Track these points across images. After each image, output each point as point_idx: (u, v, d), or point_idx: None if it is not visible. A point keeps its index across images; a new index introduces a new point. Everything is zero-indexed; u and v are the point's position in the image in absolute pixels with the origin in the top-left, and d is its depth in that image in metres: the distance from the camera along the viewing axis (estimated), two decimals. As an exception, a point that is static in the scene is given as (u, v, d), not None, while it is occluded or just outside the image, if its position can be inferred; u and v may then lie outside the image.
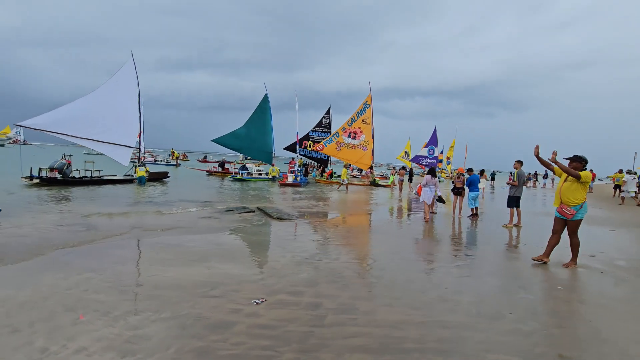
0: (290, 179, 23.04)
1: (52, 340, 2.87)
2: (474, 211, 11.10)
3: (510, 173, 10.32)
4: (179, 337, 3.00)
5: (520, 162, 9.54)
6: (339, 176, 29.69)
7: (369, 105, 29.44)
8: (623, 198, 17.84)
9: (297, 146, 28.79)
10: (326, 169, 31.72)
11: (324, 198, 16.42)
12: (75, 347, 2.79)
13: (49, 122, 15.89)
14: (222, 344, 2.93)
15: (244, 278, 4.60)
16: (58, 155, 17.46)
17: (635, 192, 17.96)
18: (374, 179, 28.42)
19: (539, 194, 24.08)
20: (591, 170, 30.28)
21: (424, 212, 10.30)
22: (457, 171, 15.22)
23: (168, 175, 21.68)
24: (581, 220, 5.43)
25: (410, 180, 28.67)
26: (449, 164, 50.90)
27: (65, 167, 16.08)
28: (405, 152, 46.80)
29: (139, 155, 20.68)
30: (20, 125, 15.75)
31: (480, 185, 21.38)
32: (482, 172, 22.04)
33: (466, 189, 11.52)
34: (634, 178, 18.65)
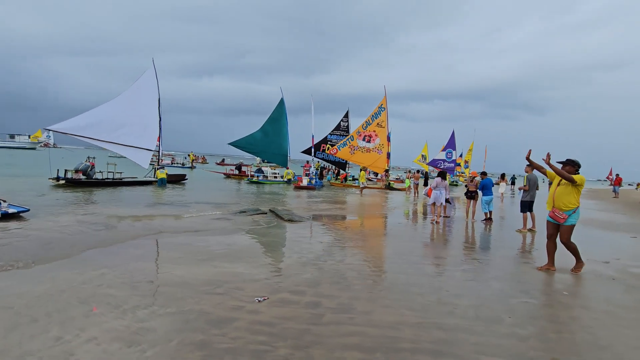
0: (305, 181, 23.24)
1: (65, 330, 3.09)
2: (488, 215, 10.93)
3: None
4: (182, 331, 3.17)
5: (531, 166, 9.37)
6: (354, 179, 29.72)
7: (384, 109, 29.36)
8: None
9: (313, 149, 28.94)
10: (342, 172, 31.78)
11: (337, 201, 16.50)
12: (87, 336, 3.00)
13: (76, 127, 16.71)
14: (222, 338, 3.07)
15: (249, 277, 4.76)
16: (85, 157, 18.29)
17: None
18: (389, 183, 28.27)
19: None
20: (617, 175, 29.01)
21: (433, 214, 10.24)
22: (470, 175, 14.99)
23: (186, 177, 22.30)
24: (573, 225, 5.31)
25: (425, 184, 28.35)
26: (467, 167, 49.99)
27: (89, 169, 16.84)
28: (423, 156, 46.33)
29: (159, 158, 21.37)
30: (50, 130, 16.64)
31: (499, 190, 20.96)
32: (502, 176, 21.54)
33: (480, 192, 11.35)
34: None
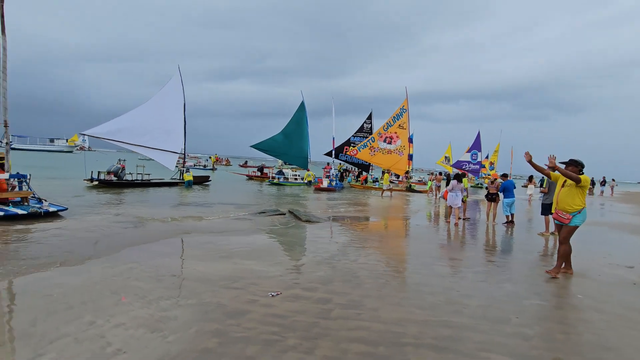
0: (325, 183, 23.43)
1: (97, 316, 3.43)
2: (510, 218, 10.73)
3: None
4: (200, 320, 3.44)
5: (552, 168, 9.13)
6: (374, 181, 29.62)
7: (406, 110, 29.14)
8: None
9: (334, 151, 29.05)
10: (362, 174, 31.73)
11: (356, 203, 16.58)
12: (116, 322, 3.32)
13: (108, 131, 17.72)
14: (236, 327, 3.31)
15: (265, 274, 5.00)
16: (116, 160, 19.33)
17: None
18: (410, 185, 27.99)
19: (596, 202, 22.29)
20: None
21: (450, 216, 10.18)
22: (490, 177, 14.69)
23: (209, 179, 23.05)
24: (577, 227, 5.21)
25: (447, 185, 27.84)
26: (492, 169, 48.63)
27: (120, 171, 17.81)
28: (446, 157, 45.52)
29: (184, 160, 22.22)
30: (85, 134, 17.73)
31: (527, 192, 20.31)
32: (530, 178, 20.86)
33: (501, 195, 11.16)
34: None
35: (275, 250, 6.92)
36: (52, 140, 74.46)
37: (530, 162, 5.55)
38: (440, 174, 29.67)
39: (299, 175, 27.09)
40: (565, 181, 5.21)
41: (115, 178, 17.46)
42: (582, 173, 5.16)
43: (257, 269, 5.21)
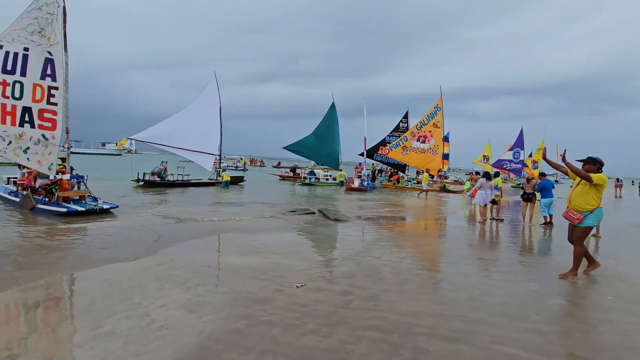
0: (356, 183, 23.53)
1: (144, 298, 3.91)
2: (548, 219, 10.32)
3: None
4: (231, 305, 3.81)
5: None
6: (407, 180, 29.22)
7: (440, 108, 28.50)
8: None
9: (365, 152, 29.00)
10: (394, 174, 31.40)
11: (387, 202, 16.58)
12: (159, 304, 3.78)
13: (152, 135, 19.10)
14: (262, 312, 3.65)
15: (291, 267, 5.32)
16: (159, 162, 20.72)
17: None
18: (444, 185, 27.34)
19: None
20: None
21: (480, 215, 9.99)
22: (527, 176, 14.09)
23: (244, 179, 23.98)
24: (590, 228, 5.01)
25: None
26: (535, 168, 46.05)
27: (162, 172, 19.11)
28: (485, 156, 43.79)
29: (220, 162, 23.30)
30: (132, 139, 19.22)
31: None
32: None
33: (538, 195, 10.75)
34: None
35: (303, 246, 7.24)
36: (103, 144, 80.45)
37: (544, 158, 5.43)
38: (478, 173, 28.65)
39: (330, 176, 27.39)
40: (581, 180, 5.07)
41: (159, 179, 18.75)
42: (601, 171, 5.00)
43: (285, 263, 5.55)
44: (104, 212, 9.51)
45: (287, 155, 31.72)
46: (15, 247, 6.13)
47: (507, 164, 37.79)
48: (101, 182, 17.63)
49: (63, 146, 9.83)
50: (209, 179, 21.51)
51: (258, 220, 9.79)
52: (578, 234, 5.05)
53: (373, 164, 34.99)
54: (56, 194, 9.36)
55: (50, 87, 9.35)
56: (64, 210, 8.83)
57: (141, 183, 18.10)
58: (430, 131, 28.07)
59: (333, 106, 27.21)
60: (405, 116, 32.80)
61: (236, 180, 22.88)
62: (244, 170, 41.14)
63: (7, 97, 9.12)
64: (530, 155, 43.92)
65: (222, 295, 4.13)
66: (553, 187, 10.78)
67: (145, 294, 4.06)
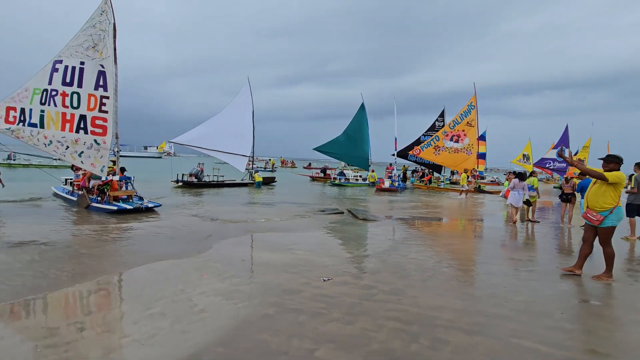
0: (386, 184, 23.43)
1: (186, 285, 4.36)
2: None
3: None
4: (263, 294, 4.16)
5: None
6: (439, 181, 28.61)
7: (474, 107, 27.69)
8: None
9: (396, 152, 28.72)
10: (426, 174, 30.84)
11: (416, 203, 16.45)
12: (200, 291, 4.21)
13: (190, 139, 20.23)
14: (291, 301, 3.95)
15: (319, 263, 5.60)
16: (196, 163, 21.86)
17: None
18: (479, 185, 26.50)
19: None
20: None
21: (513, 215, 9.74)
22: (565, 175, 13.42)
23: (275, 180, 24.66)
24: (613, 227, 4.80)
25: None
26: (578, 167, 43.10)
27: (199, 173, 20.16)
28: (524, 155, 41.78)
29: (252, 163, 24.13)
30: (172, 142, 20.46)
31: (623, 191, 17.87)
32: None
33: (577, 195, 10.28)
34: None
35: (331, 244, 7.50)
36: (145, 148, 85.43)
37: (560, 155, 5.35)
38: (514, 173, 27.46)
39: (360, 176, 27.45)
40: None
41: (196, 179, 19.80)
42: (619, 169, 4.85)
43: (313, 259, 5.84)
44: (149, 211, 10.31)
45: (318, 156, 32.11)
46: (80, 243, 6.90)
47: (550, 163, 35.84)
48: (144, 183, 18.92)
49: (113, 150, 10.76)
50: (242, 180, 22.36)
51: (288, 220, 10.18)
52: (602, 237, 4.91)
53: (404, 165, 34.49)
54: (107, 194, 10.29)
55: (102, 97, 10.29)
56: (115, 208, 9.71)
57: (180, 184, 19.21)
58: (463, 130, 27.33)
59: (363, 107, 27.28)
60: (442, 115, 32.02)
61: (268, 181, 23.60)
62: (272, 171, 42.08)
63: (67, 107, 10.17)
64: (576, 154, 41.36)
65: (255, 285, 4.50)
66: None
67: (187, 282, 4.51)
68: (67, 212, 9.91)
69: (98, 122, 10.35)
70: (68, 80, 10.13)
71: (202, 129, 20.73)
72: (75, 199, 10.91)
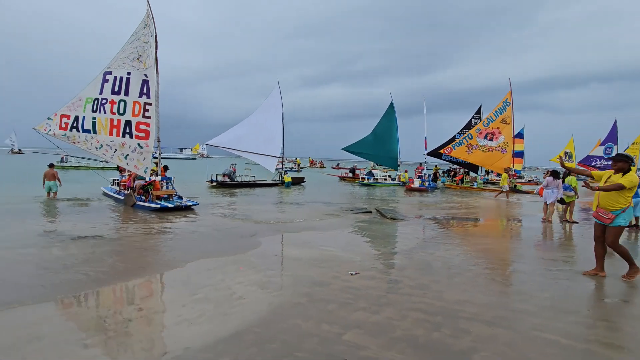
0: (416, 183, 23.20)
1: (225, 276, 4.79)
2: (634, 222, 9.40)
3: None
4: (295, 285, 4.49)
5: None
6: (472, 180, 27.83)
7: (509, 103, 26.75)
8: None
9: (427, 151, 28.27)
10: (457, 174, 30.10)
11: (447, 202, 16.25)
12: (237, 281, 4.61)
13: (223, 141, 21.17)
14: (320, 292, 4.25)
15: (348, 259, 5.87)
16: (229, 164, 22.79)
17: None
18: (514, 185, 25.54)
19: None
20: None
21: (545, 214, 9.48)
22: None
23: (304, 180, 25.14)
24: (622, 227, 4.69)
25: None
26: (632, 165, 40.20)
27: (232, 174, 21.03)
28: (566, 153, 39.65)
29: (283, 164, 24.75)
30: (207, 144, 21.49)
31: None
32: None
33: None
34: None
35: (359, 242, 7.73)
36: (181, 150, 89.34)
37: (563, 165, 5.37)
38: (550, 172, 26.15)
39: (389, 176, 27.33)
40: (608, 178, 4.85)
41: (229, 180, 20.66)
42: (631, 170, 4.74)
43: (342, 256, 6.11)
44: (187, 209, 11.02)
45: (347, 156, 32.25)
46: (132, 238, 7.61)
47: (596, 161, 33.79)
48: (182, 183, 20.01)
49: (155, 152, 11.58)
50: (273, 180, 23.02)
51: (318, 219, 10.50)
52: (611, 236, 4.82)
53: (436, 165, 33.77)
54: (151, 193, 11.12)
55: (145, 104, 11.14)
56: (157, 206, 10.48)
57: (214, 184, 20.15)
58: (498, 128, 26.47)
59: (392, 106, 27.15)
60: (478, 112, 31.07)
61: (297, 181, 24.12)
62: (298, 171, 42.63)
63: (114, 113, 11.11)
64: (626, 149, 38.64)
65: (287, 277, 4.84)
66: None
67: (227, 273, 4.94)
68: (116, 210, 10.81)
69: (142, 127, 11.21)
70: (116, 89, 11.06)
71: (234, 131, 21.60)
72: (122, 198, 11.86)
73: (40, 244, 6.49)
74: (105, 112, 11.20)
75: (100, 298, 4.10)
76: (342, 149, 27.11)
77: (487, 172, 31.80)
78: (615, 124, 33.32)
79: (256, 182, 21.94)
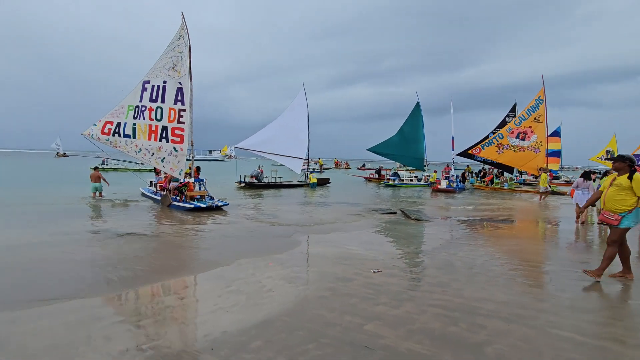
0: (443, 184, 22.88)
1: (256, 271, 5.18)
2: None
3: None
4: (319, 281, 4.80)
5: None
6: (503, 181, 27.02)
7: (542, 101, 25.80)
8: None
9: (454, 151, 27.73)
10: (487, 175, 29.30)
11: (474, 203, 16.00)
12: (267, 275, 4.99)
13: (251, 144, 21.93)
14: (343, 287, 4.53)
15: (371, 257, 6.10)
16: (256, 166, 23.52)
17: None
18: (548, 186, 24.56)
19: None
20: None
21: (578, 214, 9.22)
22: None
23: (330, 181, 25.45)
24: (628, 228, 4.60)
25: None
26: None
27: (259, 175, 21.72)
28: (608, 152, 37.49)
29: (308, 165, 25.19)
30: (236, 147, 22.33)
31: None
32: None
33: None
34: None
35: (382, 241, 7.92)
36: (210, 152, 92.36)
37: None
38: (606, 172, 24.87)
39: (415, 177, 27.08)
40: (613, 181, 4.76)
41: (256, 181, 21.36)
42: (635, 171, 4.63)
43: (365, 254, 6.35)
44: (218, 209, 11.63)
45: (373, 157, 32.20)
46: (172, 235, 8.23)
47: (641, 160, 31.79)
48: (212, 184, 20.90)
49: (189, 155, 12.30)
50: (298, 181, 23.51)
51: (342, 219, 10.77)
52: (615, 236, 4.77)
53: (468, 165, 32.92)
54: (185, 194, 11.83)
55: (180, 110, 11.87)
56: (191, 206, 11.15)
57: (242, 184, 20.90)
58: (530, 126, 25.61)
59: (418, 105, 26.90)
60: (513, 109, 30.07)
61: (323, 182, 24.47)
62: (321, 172, 42.94)
63: (152, 120, 11.92)
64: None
65: (312, 273, 5.16)
66: None
67: (257, 269, 5.33)
68: (154, 209, 11.59)
69: (177, 131, 11.95)
70: (154, 97, 11.87)
71: (261, 134, 22.30)
72: (159, 198, 12.67)
73: (95, 240, 7.20)
74: (144, 119, 12.03)
75: (146, 290, 4.59)
76: (367, 149, 27.16)
77: (521, 173, 30.69)
78: (665, 120, 31.21)
79: (282, 183, 22.51)
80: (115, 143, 12.52)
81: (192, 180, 12.14)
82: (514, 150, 25.60)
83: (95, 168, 14.12)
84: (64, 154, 68.37)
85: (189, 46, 11.86)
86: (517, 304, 4.05)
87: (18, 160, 54.09)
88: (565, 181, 33.46)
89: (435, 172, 26.25)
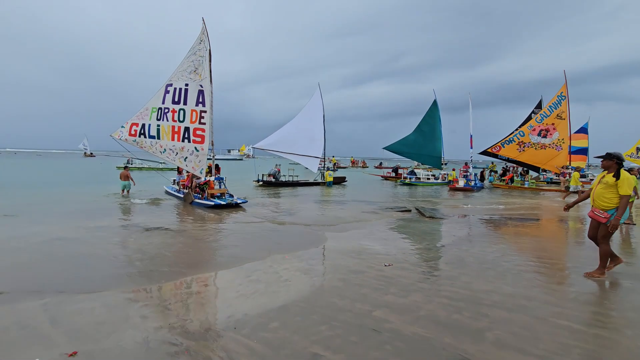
0: (461, 183, 22.69)
1: (273, 263, 5.53)
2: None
3: None
4: (332, 272, 5.10)
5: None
6: (524, 180, 26.46)
7: (565, 97, 25.14)
8: None
9: (472, 149, 27.37)
10: (507, 173, 28.74)
11: (492, 202, 15.88)
12: (283, 267, 5.33)
13: (268, 143, 22.48)
14: (355, 278, 4.82)
15: (383, 252, 6.35)
16: (274, 165, 24.03)
17: None
18: (569, 185, 23.92)
19: None
20: None
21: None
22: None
23: (346, 179, 25.68)
24: (617, 226, 4.60)
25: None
26: None
27: (276, 174, 22.22)
28: (638, 149, 36.03)
29: (324, 164, 25.50)
30: (254, 147, 22.93)
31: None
32: None
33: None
34: None
35: (395, 238, 8.13)
36: (229, 151, 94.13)
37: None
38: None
39: (432, 175, 26.93)
40: (601, 179, 4.79)
41: (274, 179, 21.87)
42: (622, 167, 4.67)
43: (377, 249, 6.60)
44: (237, 206, 12.11)
45: (390, 155, 32.15)
46: (195, 231, 8.73)
47: (674, 156, 30.48)
48: (231, 183, 21.54)
49: (210, 155, 12.85)
50: (315, 179, 23.86)
51: (357, 216, 11.02)
52: (604, 232, 4.80)
53: (492, 162, 32.31)
54: (206, 191, 12.37)
55: (201, 111, 12.40)
56: (212, 203, 11.67)
57: (260, 183, 21.44)
58: (553, 123, 25.00)
59: (435, 103, 26.73)
60: (539, 105, 29.33)
61: (339, 181, 24.74)
62: (334, 170, 43.03)
63: (176, 121, 12.51)
64: None
65: (326, 266, 5.47)
66: None
67: (274, 262, 5.68)
68: (178, 207, 12.18)
69: (198, 132, 12.49)
70: (177, 99, 12.45)
71: (278, 134, 22.81)
72: (182, 195, 13.28)
73: (130, 236, 7.75)
74: (167, 120, 12.64)
75: (175, 280, 5.01)
76: (384, 148, 27.18)
77: (545, 171, 29.95)
78: (701, 114, 29.66)
79: (299, 181, 22.92)
80: (142, 143, 13.20)
81: (212, 178, 12.66)
82: (535, 148, 25.07)
83: (125, 167, 14.91)
84: (91, 153, 71.32)
85: (209, 50, 12.37)
86: (522, 296, 4.22)
87: (49, 160, 56.93)
88: (591, 180, 32.37)
89: (453, 170, 26.02)
